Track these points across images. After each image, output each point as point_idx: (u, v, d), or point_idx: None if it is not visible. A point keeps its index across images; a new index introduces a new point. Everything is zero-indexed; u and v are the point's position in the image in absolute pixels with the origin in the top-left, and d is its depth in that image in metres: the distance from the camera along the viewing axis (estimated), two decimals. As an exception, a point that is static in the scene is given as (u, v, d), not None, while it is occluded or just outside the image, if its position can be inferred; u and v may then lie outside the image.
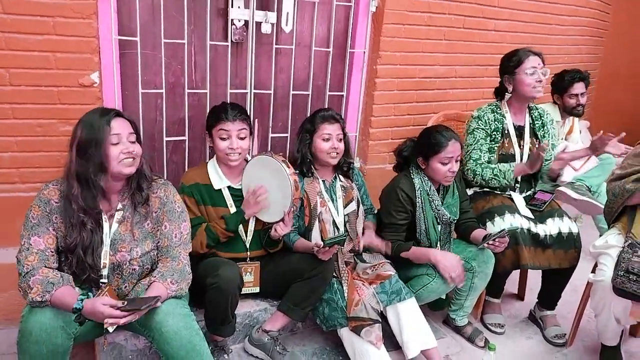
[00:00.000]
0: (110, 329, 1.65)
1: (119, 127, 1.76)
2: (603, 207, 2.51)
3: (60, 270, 1.74)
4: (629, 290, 2.07)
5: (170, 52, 2.51)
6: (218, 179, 2.25)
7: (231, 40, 2.61)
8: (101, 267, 1.79)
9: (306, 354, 2.33)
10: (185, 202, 2.13)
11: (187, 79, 2.56)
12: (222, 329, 2.09)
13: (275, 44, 2.74)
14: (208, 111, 2.57)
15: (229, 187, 2.26)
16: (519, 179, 2.69)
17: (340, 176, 2.49)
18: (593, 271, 2.30)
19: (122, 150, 1.75)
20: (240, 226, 2.25)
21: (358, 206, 2.48)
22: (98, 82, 2.30)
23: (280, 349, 2.22)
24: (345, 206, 2.43)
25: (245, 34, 2.64)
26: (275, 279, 2.27)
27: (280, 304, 2.24)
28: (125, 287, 1.88)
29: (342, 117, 2.46)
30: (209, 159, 2.34)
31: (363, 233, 2.48)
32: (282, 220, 2.17)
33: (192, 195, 2.20)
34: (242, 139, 2.20)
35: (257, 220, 2.28)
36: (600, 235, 2.58)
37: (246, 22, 2.62)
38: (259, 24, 2.66)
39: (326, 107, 2.92)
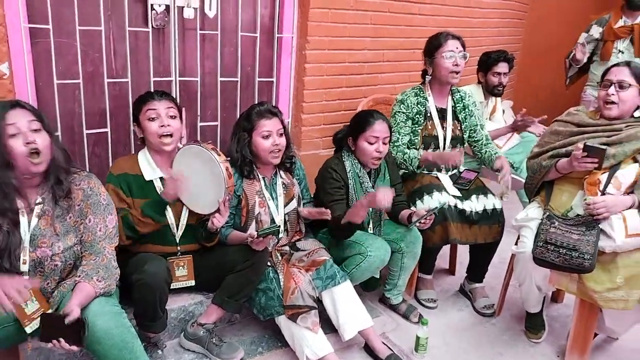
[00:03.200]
0: (29, 330, 1.57)
1: (15, 117, 1.65)
2: (524, 182, 2.65)
3: None
4: (547, 260, 2.19)
5: (86, 39, 2.38)
6: (150, 169, 2.15)
7: (152, 26, 2.51)
8: (20, 264, 1.70)
9: (244, 344, 2.32)
10: (109, 191, 2.05)
11: (106, 67, 2.44)
12: (153, 325, 2.04)
13: (200, 30, 2.67)
14: (131, 101, 2.50)
15: (160, 179, 2.17)
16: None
17: (281, 172, 2.43)
18: (516, 243, 2.42)
19: (24, 142, 1.65)
20: (172, 219, 2.18)
21: (299, 204, 2.45)
22: (8, 73, 2.15)
23: (216, 340, 2.20)
24: (286, 204, 2.40)
25: (167, 19, 2.55)
26: (209, 272, 2.22)
27: (215, 297, 2.20)
28: (48, 284, 1.79)
29: (280, 110, 2.36)
30: (135, 151, 2.23)
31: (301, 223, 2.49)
32: (218, 210, 2.10)
33: (119, 186, 2.09)
34: (172, 117, 2.11)
35: (191, 213, 2.21)
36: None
37: (167, 7, 2.53)
38: (181, 9, 2.57)
39: (261, 100, 2.89)
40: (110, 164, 2.53)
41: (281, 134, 2.30)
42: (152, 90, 2.51)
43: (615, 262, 2.14)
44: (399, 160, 2.65)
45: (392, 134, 2.66)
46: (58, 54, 2.31)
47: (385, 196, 2.12)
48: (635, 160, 2.25)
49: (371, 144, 2.39)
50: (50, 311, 1.74)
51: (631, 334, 2.39)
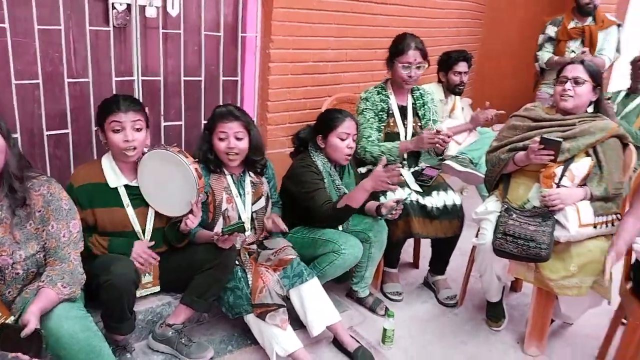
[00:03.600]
0: None
1: None
2: (483, 176, 2.75)
3: None
4: (506, 251, 2.27)
5: (45, 39, 2.33)
6: (114, 176, 2.11)
7: (113, 25, 2.48)
8: None
9: (213, 343, 2.32)
10: None
11: (66, 67, 2.40)
12: (121, 327, 2.01)
13: (162, 29, 2.65)
14: (93, 101, 2.46)
15: (125, 186, 2.13)
16: (406, 156, 2.85)
17: (250, 172, 2.44)
18: (476, 236, 2.51)
19: None
20: (137, 226, 2.15)
21: (267, 202, 2.47)
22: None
23: (185, 340, 2.20)
24: (254, 202, 2.41)
25: (128, 18, 2.53)
26: (176, 273, 2.21)
27: (183, 297, 2.19)
28: (10, 292, 1.75)
29: (245, 113, 2.31)
30: (97, 153, 2.19)
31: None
32: (191, 212, 2.10)
33: (77, 200, 1.99)
34: (137, 130, 2.05)
35: (158, 217, 2.19)
36: (483, 203, 2.82)
37: (128, 6, 2.51)
38: (143, 8, 2.55)
39: (226, 100, 2.90)
40: (72, 166, 2.49)
41: (240, 138, 2.27)
42: (114, 91, 2.51)
43: (569, 251, 2.25)
44: (377, 154, 2.69)
45: (364, 130, 2.73)
46: (16, 53, 2.25)
47: (384, 177, 2.18)
48: (587, 154, 2.36)
49: (343, 140, 2.44)
50: (11, 319, 1.69)
51: (584, 319, 2.51)
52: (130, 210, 2.13)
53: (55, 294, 1.68)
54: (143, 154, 2.14)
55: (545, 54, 4.16)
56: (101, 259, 2.01)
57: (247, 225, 2.37)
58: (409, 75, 2.74)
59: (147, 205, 2.17)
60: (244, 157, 2.32)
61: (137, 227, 2.15)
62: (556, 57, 4.05)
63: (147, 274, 2.19)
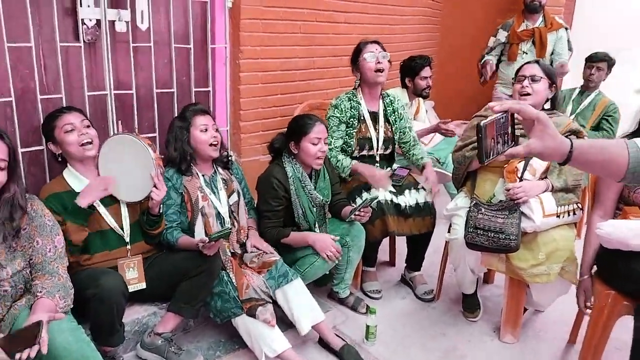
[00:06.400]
0: None
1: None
2: (451, 175, 2.88)
3: None
4: (478, 243, 2.39)
5: (15, 56, 2.31)
6: (78, 181, 2.15)
7: (83, 41, 2.49)
8: None
9: (201, 350, 2.35)
10: None
11: (38, 84, 2.38)
12: (111, 339, 2.03)
13: (132, 43, 2.67)
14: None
15: None
16: (378, 158, 2.96)
17: (220, 169, 2.51)
18: (448, 231, 2.63)
19: None
20: (112, 223, 2.19)
21: (239, 197, 2.53)
22: None
23: (175, 349, 2.21)
24: (227, 197, 2.47)
25: (98, 33, 2.53)
26: (161, 280, 2.23)
27: (171, 305, 2.22)
28: None
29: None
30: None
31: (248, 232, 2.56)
32: (155, 186, 2.15)
33: (49, 207, 1.99)
34: (87, 127, 2.15)
35: (131, 211, 2.24)
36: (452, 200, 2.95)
37: (98, 21, 2.51)
38: (112, 23, 2.56)
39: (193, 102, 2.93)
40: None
41: (217, 129, 2.43)
42: (87, 106, 2.50)
43: (536, 241, 2.38)
44: (333, 165, 2.80)
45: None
46: (-14, 72, 2.23)
47: (330, 246, 2.42)
48: (546, 149, 2.52)
49: (315, 144, 2.51)
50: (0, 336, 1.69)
51: (554, 306, 2.64)
52: (102, 209, 2.18)
53: (54, 305, 1.69)
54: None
55: (489, 57, 4.37)
56: (88, 272, 2.02)
57: (227, 219, 2.44)
58: (377, 62, 2.80)
59: (117, 201, 2.22)
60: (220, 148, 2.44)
61: (114, 224, 2.20)
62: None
63: (131, 269, 2.20)
